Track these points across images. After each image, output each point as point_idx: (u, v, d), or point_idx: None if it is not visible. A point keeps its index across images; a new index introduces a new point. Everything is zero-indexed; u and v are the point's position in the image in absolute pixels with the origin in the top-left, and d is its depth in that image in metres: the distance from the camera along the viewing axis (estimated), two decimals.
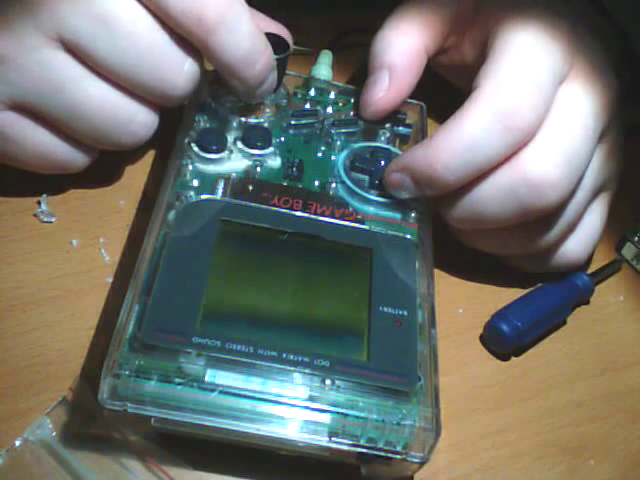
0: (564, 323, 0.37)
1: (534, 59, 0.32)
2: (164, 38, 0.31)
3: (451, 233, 0.36)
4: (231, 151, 0.34)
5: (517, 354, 0.35)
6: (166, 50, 0.31)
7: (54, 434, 0.28)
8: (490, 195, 0.32)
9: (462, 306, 0.36)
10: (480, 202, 0.32)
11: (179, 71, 0.31)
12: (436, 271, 0.35)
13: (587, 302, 0.38)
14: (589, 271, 0.38)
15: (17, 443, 0.27)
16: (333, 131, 0.37)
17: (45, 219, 0.34)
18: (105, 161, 0.35)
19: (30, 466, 0.27)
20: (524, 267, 0.37)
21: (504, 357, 0.35)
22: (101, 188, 0.36)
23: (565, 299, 0.36)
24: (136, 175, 0.37)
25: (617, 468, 0.32)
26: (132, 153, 0.37)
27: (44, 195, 0.34)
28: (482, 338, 0.35)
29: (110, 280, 0.33)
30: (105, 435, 0.28)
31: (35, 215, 0.34)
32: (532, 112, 0.31)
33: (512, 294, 0.36)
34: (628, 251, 0.40)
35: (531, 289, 0.36)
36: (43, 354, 0.30)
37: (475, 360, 0.34)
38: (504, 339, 0.34)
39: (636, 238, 0.40)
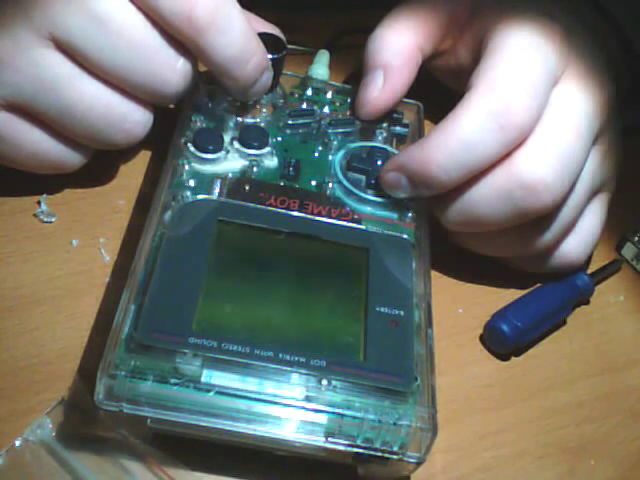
0: (564, 323, 0.36)
1: (528, 59, 0.32)
2: (156, 36, 0.31)
3: (449, 238, 0.36)
4: (228, 151, 0.34)
5: (517, 354, 0.35)
6: (158, 48, 0.31)
7: (54, 434, 0.28)
8: (485, 197, 0.32)
9: (462, 306, 0.36)
10: (475, 204, 0.32)
11: (172, 69, 0.31)
12: (436, 271, 0.35)
13: (587, 302, 0.38)
14: (589, 271, 0.38)
15: (17, 443, 0.27)
16: (330, 131, 0.37)
17: (45, 219, 0.34)
18: (105, 161, 0.35)
19: (30, 466, 0.27)
20: (524, 267, 0.37)
21: (504, 357, 0.34)
22: (101, 188, 0.36)
23: (565, 299, 0.36)
24: (136, 175, 0.37)
25: (617, 468, 0.32)
26: (132, 153, 0.37)
27: (44, 195, 0.34)
28: (482, 338, 0.35)
29: (110, 280, 0.33)
30: (105, 435, 0.28)
31: (35, 215, 0.34)
32: (526, 110, 0.31)
33: (512, 294, 0.36)
34: (628, 251, 0.40)
35: (531, 289, 0.36)
36: (43, 354, 0.30)
37: (475, 360, 0.34)
38: (504, 339, 0.34)
39: (636, 238, 0.39)
